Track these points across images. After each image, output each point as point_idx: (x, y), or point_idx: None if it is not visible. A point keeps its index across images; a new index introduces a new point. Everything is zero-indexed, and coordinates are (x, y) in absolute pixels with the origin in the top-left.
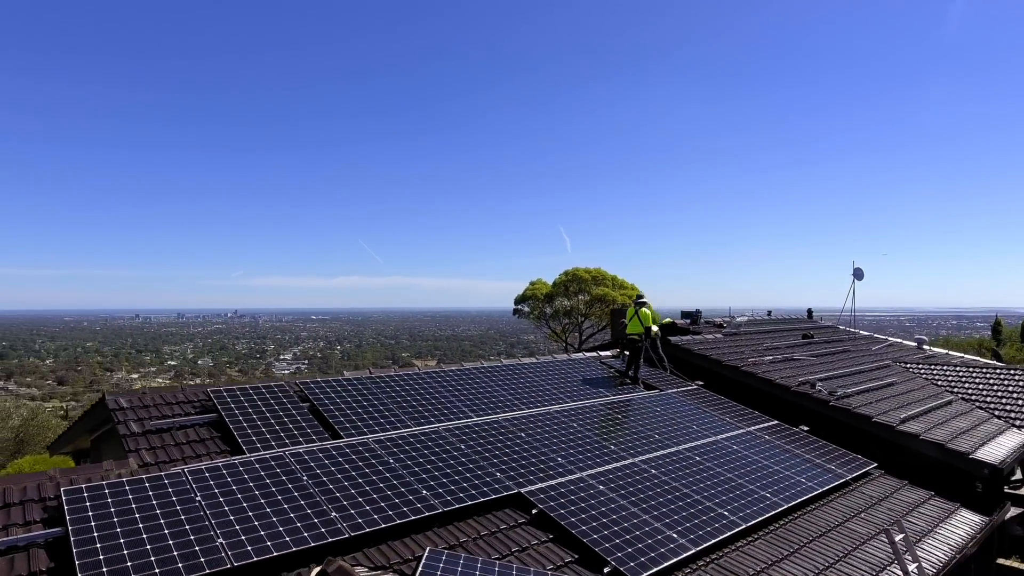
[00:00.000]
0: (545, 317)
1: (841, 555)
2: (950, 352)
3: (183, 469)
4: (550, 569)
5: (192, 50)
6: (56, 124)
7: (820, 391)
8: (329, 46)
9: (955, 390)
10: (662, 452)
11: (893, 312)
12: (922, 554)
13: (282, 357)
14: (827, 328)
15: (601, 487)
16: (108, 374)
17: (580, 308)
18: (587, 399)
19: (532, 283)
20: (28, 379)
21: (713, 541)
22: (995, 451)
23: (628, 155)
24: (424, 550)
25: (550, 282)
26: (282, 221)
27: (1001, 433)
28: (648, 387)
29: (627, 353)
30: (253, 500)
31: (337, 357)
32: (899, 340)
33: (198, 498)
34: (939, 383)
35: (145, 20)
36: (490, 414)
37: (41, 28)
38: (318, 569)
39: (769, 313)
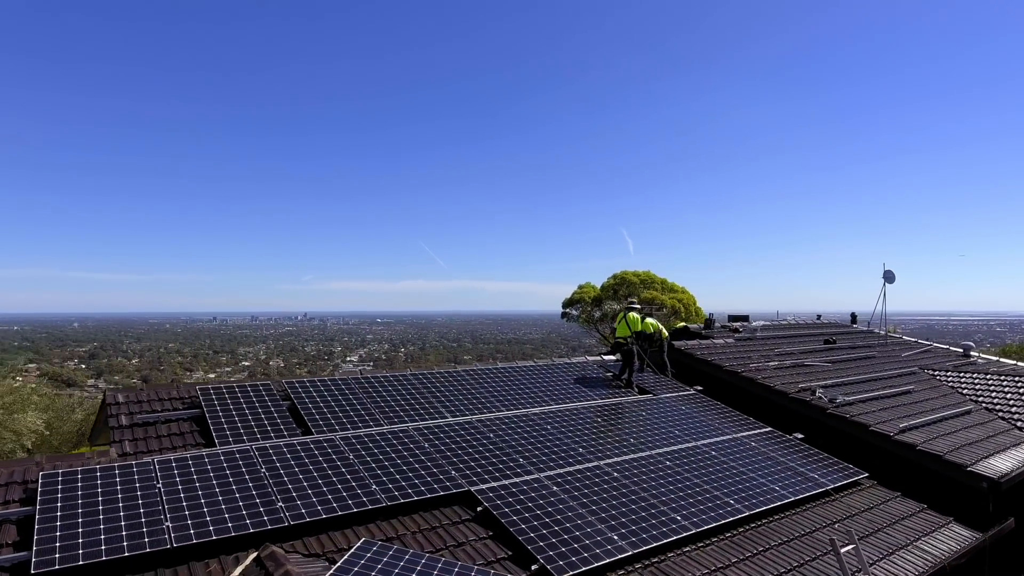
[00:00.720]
0: (593, 321)
1: (796, 565)
2: (1002, 359)
3: (153, 459)
4: (479, 564)
5: (265, 63)
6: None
7: (820, 398)
8: (397, 55)
9: (980, 399)
10: (632, 456)
11: (981, 316)
12: (891, 567)
13: (348, 359)
14: (859, 333)
15: (555, 488)
16: (188, 373)
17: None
18: (572, 402)
19: (580, 286)
20: (116, 377)
21: (655, 544)
22: (999, 464)
23: (692, 156)
24: (361, 543)
25: (599, 285)
26: (350, 226)
27: (1016, 446)
28: (642, 391)
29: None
30: (209, 489)
31: (401, 359)
32: (942, 346)
33: (159, 485)
34: (964, 392)
35: (239, 44)
36: (466, 415)
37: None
38: (255, 555)
39: (818, 317)
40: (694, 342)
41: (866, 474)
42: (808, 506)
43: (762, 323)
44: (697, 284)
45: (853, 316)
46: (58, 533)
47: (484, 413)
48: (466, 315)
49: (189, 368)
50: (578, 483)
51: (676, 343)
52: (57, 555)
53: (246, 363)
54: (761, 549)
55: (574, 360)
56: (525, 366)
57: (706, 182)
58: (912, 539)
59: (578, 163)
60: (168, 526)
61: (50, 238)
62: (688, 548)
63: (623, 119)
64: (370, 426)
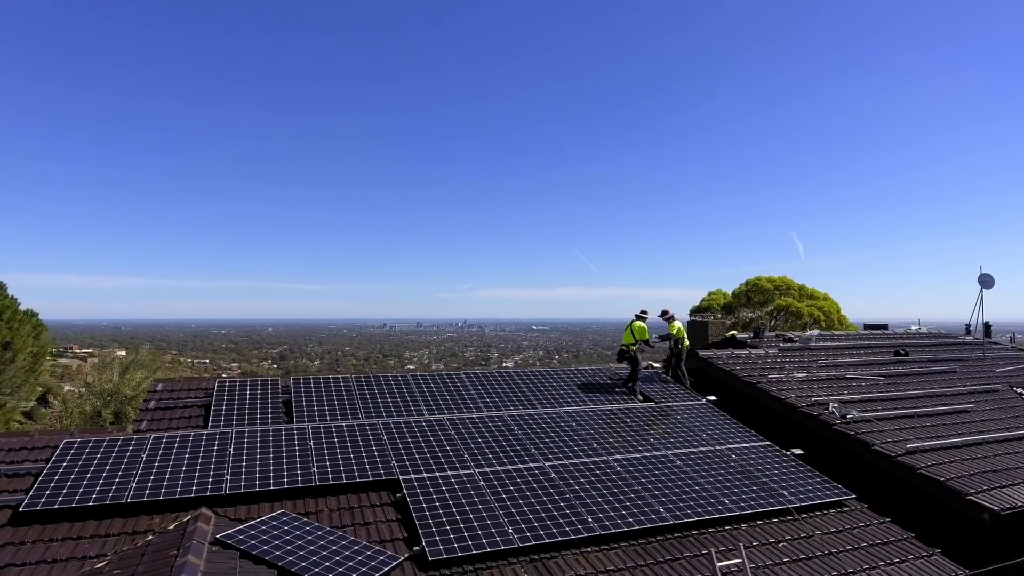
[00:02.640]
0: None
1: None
2: None
3: (150, 436)
4: (372, 542)
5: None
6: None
7: (832, 412)
8: (537, 56)
9: None
10: (584, 459)
11: None
12: None
13: (504, 364)
14: (951, 344)
15: (482, 483)
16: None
17: (762, 320)
18: (559, 406)
19: (710, 293)
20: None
21: (551, 540)
22: (1015, 496)
23: (872, 156)
24: (277, 513)
25: (731, 292)
26: (507, 228)
27: None
28: (646, 399)
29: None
30: (179, 460)
31: (555, 366)
32: None
33: (143, 455)
34: None
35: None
36: (443, 413)
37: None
38: (190, 515)
39: (918, 323)
40: (725, 352)
41: (853, 495)
42: (757, 522)
43: (817, 333)
44: (867, 290)
45: (987, 326)
46: (51, 485)
47: (461, 413)
48: (619, 323)
49: (361, 370)
50: (508, 480)
51: (703, 352)
52: (44, 498)
53: (411, 367)
54: (657, 560)
55: (582, 367)
56: (532, 371)
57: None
58: (873, 567)
59: (739, 164)
60: (132, 486)
61: (253, 255)
62: (590, 548)
63: (800, 119)
64: (347, 419)
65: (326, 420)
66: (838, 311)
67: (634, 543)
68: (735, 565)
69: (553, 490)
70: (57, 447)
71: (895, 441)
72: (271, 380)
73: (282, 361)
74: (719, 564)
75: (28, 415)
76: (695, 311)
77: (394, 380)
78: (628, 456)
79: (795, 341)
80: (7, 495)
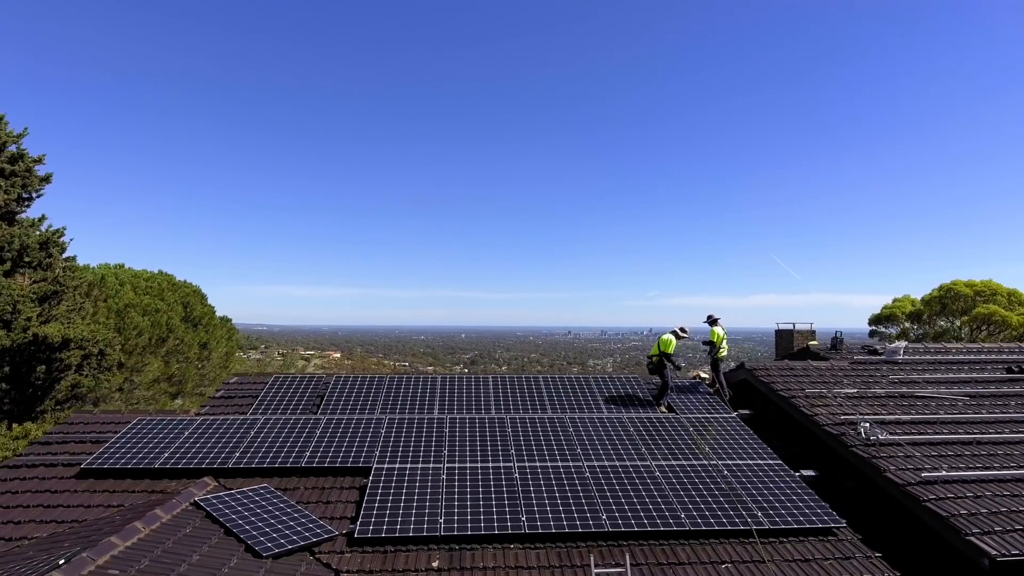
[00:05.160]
0: (912, 341)
1: None
2: None
3: (198, 419)
4: (326, 517)
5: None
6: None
7: (859, 431)
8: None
9: None
10: (559, 464)
11: None
12: None
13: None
14: None
15: (443, 476)
16: None
17: (958, 331)
18: (570, 412)
19: (895, 300)
20: None
21: (472, 533)
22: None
23: None
24: (259, 486)
25: (919, 298)
26: (696, 233)
27: None
28: (669, 409)
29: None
30: (210, 438)
31: None
32: None
33: (186, 432)
34: None
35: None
36: (452, 414)
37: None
38: (201, 480)
39: None
40: (781, 364)
41: (844, 524)
42: (709, 540)
43: (905, 345)
44: None
45: None
46: (112, 450)
47: (460, 413)
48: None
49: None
50: (470, 476)
51: (750, 364)
52: (101, 459)
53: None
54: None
55: (621, 375)
56: (561, 377)
57: None
58: None
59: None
60: (166, 456)
61: (448, 266)
62: (512, 545)
63: None
64: (363, 414)
65: (341, 413)
66: None
67: (552, 545)
68: (616, 574)
69: (506, 488)
70: (131, 422)
71: (915, 468)
72: (316, 377)
73: (472, 365)
74: (596, 570)
75: None
76: (874, 320)
77: (420, 381)
78: (606, 463)
79: (880, 354)
80: (84, 455)
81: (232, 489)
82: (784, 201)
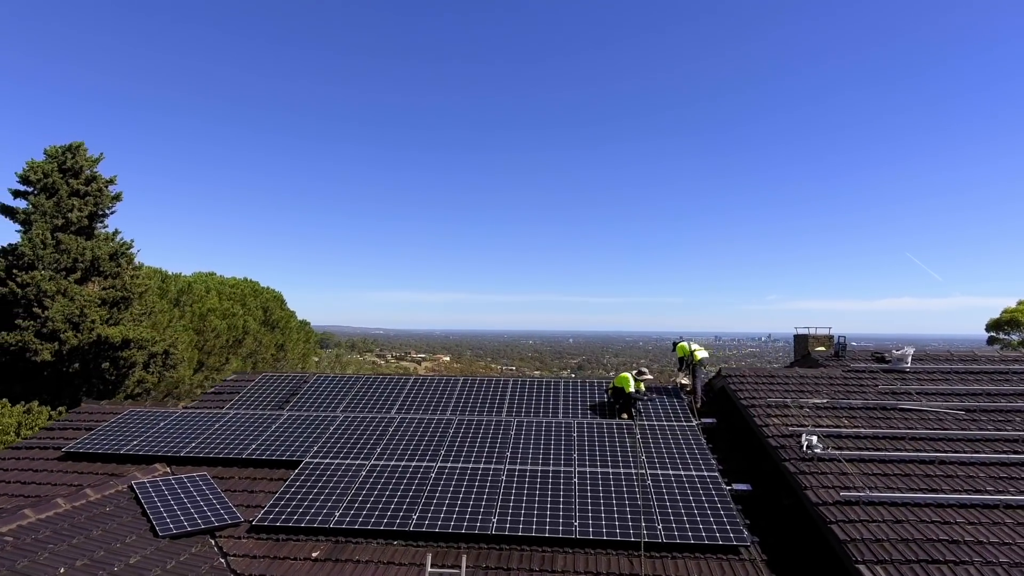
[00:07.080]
0: None
1: None
2: None
3: (179, 412)
4: (241, 505)
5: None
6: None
7: (800, 444)
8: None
9: None
10: (477, 465)
11: None
12: None
13: None
14: None
15: (364, 473)
16: None
17: None
18: (528, 416)
19: (1020, 302)
20: None
21: (360, 528)
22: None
23: None
24: (197, 474)
25: None
26: (818, 232)
27: None
28: (630, 416)
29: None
30: (177, 428)
31: None
32: None
33: (161, 423)
34: None
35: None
36: (408, 413)
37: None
38: (154, 465)
39: None
40: (759, 370)
41: (751, 542)
42: (594, 550)
43: (913, 351)
44: None
45: None
46: (94, 437)
47: (415, 414)
48: (968, 339)
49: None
50: (386, 473)
51: (727, 371)
52: (81, 445)
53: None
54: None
55: (599, 380)
56: (545, 380)
57: None
58: None
59: None
60: (134, 444)
61: (550, 271)
62: (396, 542)
63: None
64: (322, 411)
65: (303, 412)
66: None
67: (423, 544)
68: (449, 574)
69: (412, 484)
70: (122, 413)
71: (840, 487)
72: (293, 376)
73: (579, 371)
74: (430, 569)
75: None
76: (991, 326)
77: (385, 382)
78: (527, 468)
79: (887, 361)
80: (74, 442)
81: (178, 475)
82: (922, 196)
